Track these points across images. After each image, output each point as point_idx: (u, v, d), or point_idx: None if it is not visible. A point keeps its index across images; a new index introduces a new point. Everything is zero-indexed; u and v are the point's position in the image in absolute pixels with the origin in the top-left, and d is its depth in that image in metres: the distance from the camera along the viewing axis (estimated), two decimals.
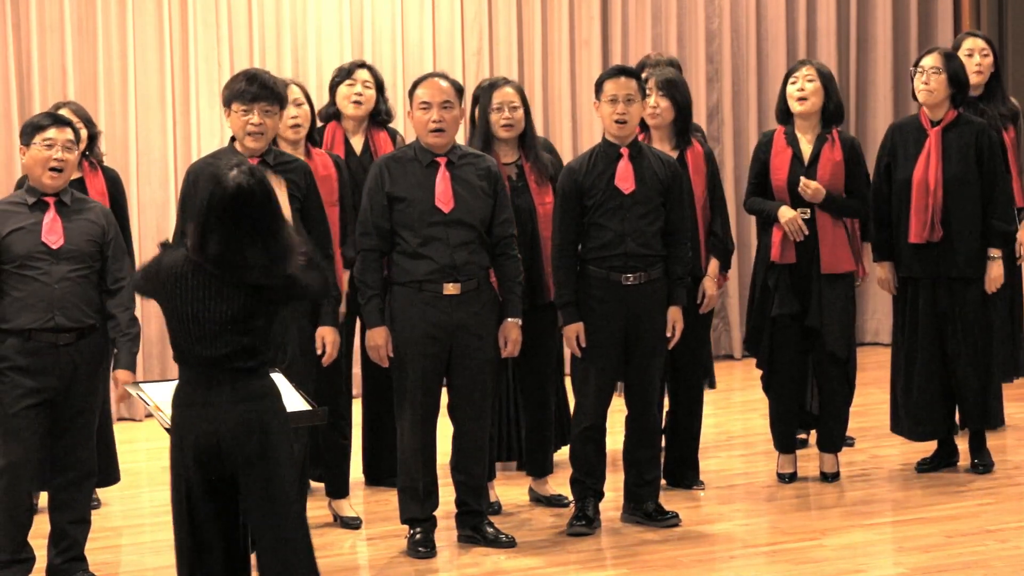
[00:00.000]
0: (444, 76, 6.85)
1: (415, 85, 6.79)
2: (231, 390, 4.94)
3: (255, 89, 6.46)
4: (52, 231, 6.19)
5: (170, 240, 5.66)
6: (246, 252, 4.83)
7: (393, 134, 7.93)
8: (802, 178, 7.36)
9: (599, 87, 6.95)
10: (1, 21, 9.47)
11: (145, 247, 9.76)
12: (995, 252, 7.56)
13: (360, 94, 7.67)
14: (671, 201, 6.94)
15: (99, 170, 7.56)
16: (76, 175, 7.47)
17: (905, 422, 7.72)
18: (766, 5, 11.15)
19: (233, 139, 6.61)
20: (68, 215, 6.24)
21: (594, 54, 10.69)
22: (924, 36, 11.34)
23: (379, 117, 7.80)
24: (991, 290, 7.55)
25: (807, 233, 7.39)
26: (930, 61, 7.58)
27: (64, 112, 7.47)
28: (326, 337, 6.60)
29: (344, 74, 7.74)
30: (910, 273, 7.62)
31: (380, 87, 7.83)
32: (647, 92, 7.37)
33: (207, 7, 9.90)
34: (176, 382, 5.11)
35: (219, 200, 4.82)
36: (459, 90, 6.83)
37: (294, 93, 7.16)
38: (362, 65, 7.85)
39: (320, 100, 7.97)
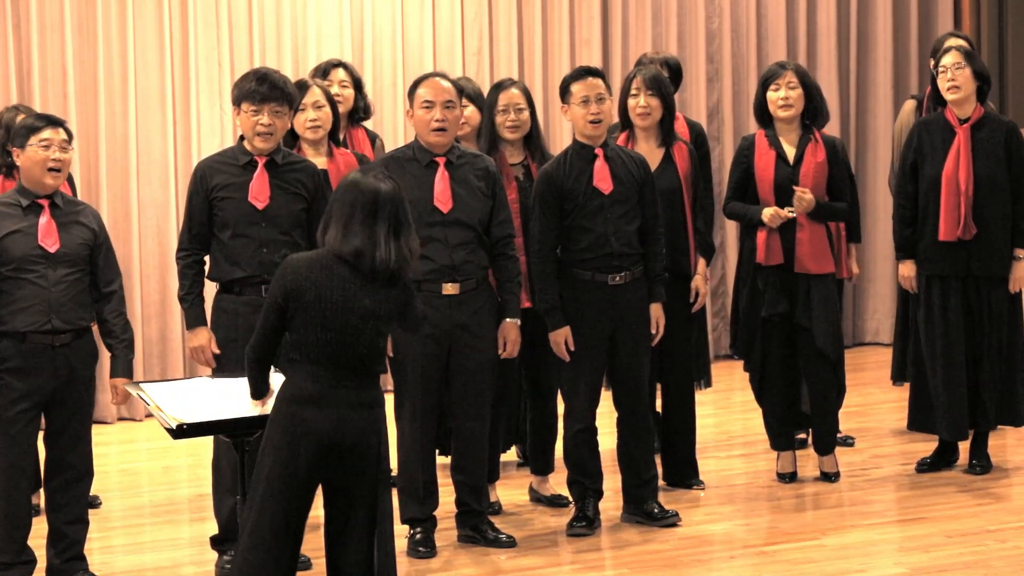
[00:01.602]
0: (445, 76, 6.85)
1: (416, 84, 6.78)
2: (356, 394, 5.03)
3: (265, 90, 6.44)
4: (48, 235, 6.18)
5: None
6: (381, 249, 5.04)
7: (373, 137, 7.89)
8: (797, 188, 7.35)
9: (565, 90, 6.94)
10: (1, 21, 9.47)
11: (145, 247, 9.79)
12: (1021, 252, 7.55)
13: (337, 94, 7.65)
14: (645, 199, 6.94)
15: None
16: None
17: (939, 420, 7.67)
18: (766, 5, 11.14)
19: (242, 138, 6.60)
20: (61, 218, 6.23)
21: (594, 54, 10.69)
22: (924, 36, 11.33)
23: (357, 115, 7.79)
24: (1014, 290, 7.56)
25: (792, 216, 7.37)
26: (951, 59, 7.54)
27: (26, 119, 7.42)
28: None
29: (320, 75, 7.73)
30: (938, 271, 7.59)
31: (358, 85, 7.82)
32: (635, 92, 7.36)
33: (207, 7, 9.90)
34: (280, 379, 5.13)
35: (363, 200, 5.05)
36: (459, 90, 6.84)
37: (314, 95, 7.16)
38: (338, 64, 7.84)
39: None
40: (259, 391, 5.30)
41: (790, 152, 7.47)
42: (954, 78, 7.50)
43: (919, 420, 7.84)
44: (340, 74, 7.77)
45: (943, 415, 7.65)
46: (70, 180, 7.64)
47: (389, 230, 5.06)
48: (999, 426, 7.86)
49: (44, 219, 6.19)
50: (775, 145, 7.48)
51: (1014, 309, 7.61)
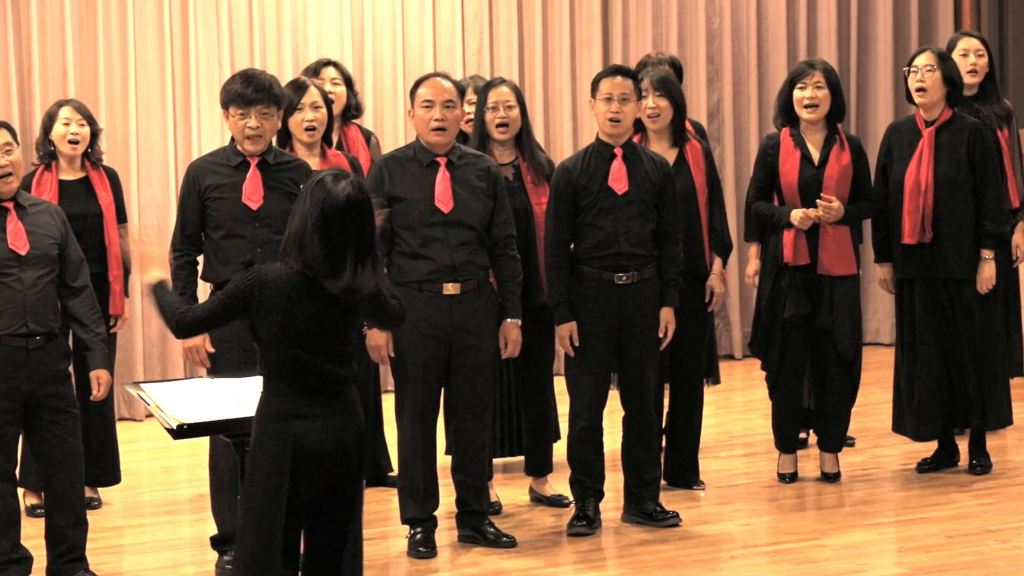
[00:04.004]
0: (446, 76, 6.86)
1: (417, 84, 6.79)
2: (340, 401, 4.95)
3: (251, 93, 6.43)
4: (17, 237, 6.15)
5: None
6: (347, 260, 4.83)
7: (367, 135, 7.88)
8: (821, 201, 7.32)
9: (595, 86, 6.95)
10: (1, 21, 9.47)
11: None
12: (987, 253, 7.55)
13: (329, 92, 7.63)
14: (664, 202, 6.94)
15: (102, 170, 7.55)
16: (80, 174, 7.47)
17: (907, 422, 7.73)
18: (766, 5, 11.15)
19: (234, 139, 6.60)
20: (26, 218, 6.21)
21: (594, 54, 10.69)
22: (924, 36, 11.34)
23: (349, 112, 7.78)
24: (983, 290, 7.55)
25: (822, 217, 7.37)
26: (923, 60, 7.58)
27: (66, 109, 7.46)
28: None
29: (311, 74, 7.73)
30: (905, 274, 7.64)
31: (349, 83, 7.81)
32: (643, 94, 7.35)
33: (207, 7, 9.90)
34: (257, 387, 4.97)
35: (331, 209, 4.80)
36: (460, 90, 6.84)
37: (312, 96, 7.15)
38: (328, 63, 7.84)
39: None
40: (159, 294, 5.11)
41: (815, 153, 7.47)
42: (923, 79, 7.53)
43: (898, 423, 7.85)
44: (331, 72, 7.77)
45: (909, 417, 7.69)
46: (116, 178, 7.63)
47: (356, 240, 4.84)
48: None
49: (11, 223, 6.16)
50: (800, 145, 7.48)
51: (986, 310, 7.60)
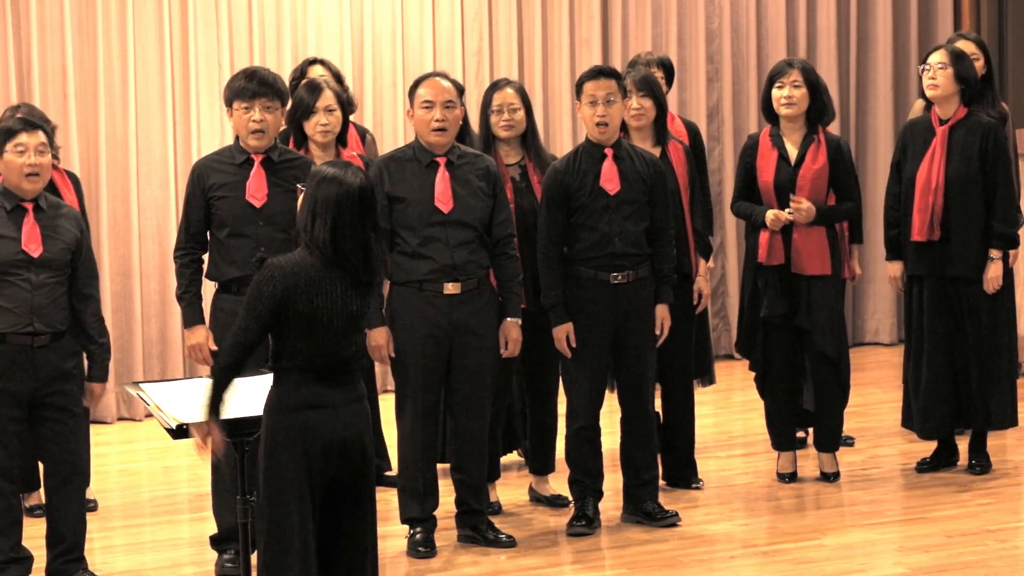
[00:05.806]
0: (445, 76, 6.86)
1: (416, 84, 6.79)
2: (349, 391, 5.01)
3: (254, 86, 6.45)
4: (32, 239, 6.15)
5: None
6: (370, 246, 4.98)
7: (362, 133, 7.87)
8: (793, 198, 7.35)
9: (579, 88, 6.94)
10: (1, 21, 9.47)
11: (145, 247, 9.79)
12: (995, 253, 7.56)
13: None
14: (655, 200, 6.94)
15: (63, 172, 7.48)
16: None
17: (914, 419, 7.73)
18: (766, 5, 11.15)
19: (238, 137, 6.60)
20: (44, 221, 6.21)
21: (594, 54, 10.69)
22: (924, 36, 11.34)
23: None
24: (989, 290, 7.56)
25: (791, 220, 7.38)
26: (937, 57, 7.59)
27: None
28: None
29: (299, 74, 7.73)
30: (915, 271, 7.65)
31: (338, 79, 7.81)
32: (627, 92, 7.35)
33: (207, 7, 9.90)
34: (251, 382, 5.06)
35: (347, 198, 4.94)
36: (460, 90, 6.84)
37: (327, 99, 7.17)
38: (314, 62, 7.85)
39: None
40: (218, 403, 5.01)
41: (792, 152, 7.47)
42: (934, 77, 7.54)
43: (906, 418, 7.87)
44: (318, 70, 7.76)
45: (916, 414, 7.70)
46: (78, 181, 7.62)
47: (371, 230, 5.00)
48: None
49: (28, 224, 6.17)
50: (778, 145, 7.49)
51: (994, 310, 7.61)
